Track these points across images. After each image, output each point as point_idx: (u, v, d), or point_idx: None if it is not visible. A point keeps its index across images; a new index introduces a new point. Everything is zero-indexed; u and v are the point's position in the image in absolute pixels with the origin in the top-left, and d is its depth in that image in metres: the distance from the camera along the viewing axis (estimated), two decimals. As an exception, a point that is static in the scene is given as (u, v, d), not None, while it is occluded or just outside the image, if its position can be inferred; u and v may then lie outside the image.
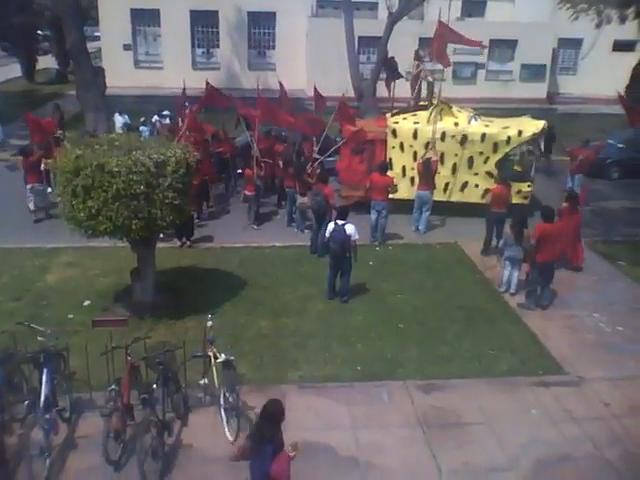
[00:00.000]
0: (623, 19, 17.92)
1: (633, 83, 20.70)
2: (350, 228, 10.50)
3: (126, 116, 19.33)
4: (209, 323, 7.79)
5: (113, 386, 7.07)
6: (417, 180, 14.14)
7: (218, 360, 7.54)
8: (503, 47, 30.46)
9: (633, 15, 18.66)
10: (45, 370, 7.23)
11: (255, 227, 14.35)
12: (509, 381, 8.79)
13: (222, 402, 7.51)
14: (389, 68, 19.64)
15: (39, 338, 7.59)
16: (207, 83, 15.57)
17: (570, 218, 11.92)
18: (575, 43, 31.60)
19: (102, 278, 11.46)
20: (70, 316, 10.03)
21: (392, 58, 19.91)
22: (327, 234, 10.75)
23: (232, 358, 7.55)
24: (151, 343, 7.92)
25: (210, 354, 7.71)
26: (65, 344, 7.80)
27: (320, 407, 8.06)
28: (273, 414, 5.43)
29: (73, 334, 8.67)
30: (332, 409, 8.05)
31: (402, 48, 18.89)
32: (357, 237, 10.69)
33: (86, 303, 10.50)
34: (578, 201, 12.32)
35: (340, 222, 10.59)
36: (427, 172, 13.77)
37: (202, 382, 7.86)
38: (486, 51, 30.00)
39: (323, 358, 9.18)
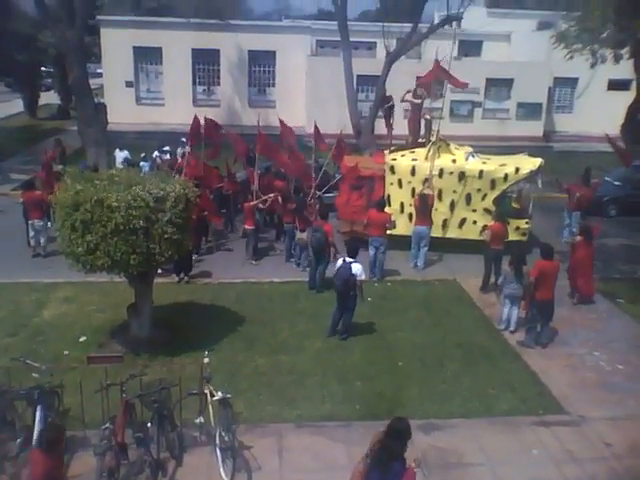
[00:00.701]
0: (618, 59, 18.21)
1: (628, 122, 20.94)
2: (357, 267, 10.42)
3: (126, 152, 19.47)
4: (206, 360, 7.73)
5: (107, 424, 6.96)
6: (415, 216, 14.20)
7: (214, 398, 7.45)
8: (499, 86, 30.90)
9: (628, 55, 19.00)
10: (39, 407, 7.15)
11: (253, 262, 14.33)
12: (510, 421, 8.68)
13: (218, 441, 7.36)
14: (387, 110, 19.90)
15: (34, 375, 7.52)
16: (205, 118, 15.74)
17: (585, 250, 12.26)
18: (571, 82, 32.09)
19: (99, 313, 11.38)
20: (66, 352, 9.93)
21: (390, 97, 20.20)
22: (334, 271, 10.73)
23: (229, 396, 7.47)
24: (147, 380, 7.82)
25: (206, 392, 7.61)
26: (60, 381, 7.71)
27: (318, 447, 7.93)
28: (401, 432, 5.58)
29: (68, 370, 8.54)
30: (330, 449, 7.91)
31: (400, 87, 19.12)
32: (363, 277, 10.62)
33: (82, 339, 10.41)
34: (592, 234, 12.56)
35: (349, 260, 10.54)
36: (424, 207, 13.83)
37: (198, 421, 7.73)
38: (483, 90, 30.55)
39: (321, 396, 9.07)
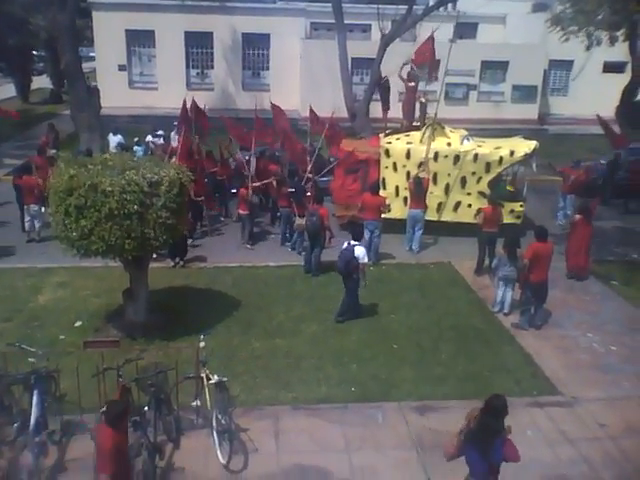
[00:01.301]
0: (613, 41, 18.16)
1: (623, 104, 20.94)
2: (359, 250, 10.51)
3: (120, 136, 19.35)
4: (202, 344, 7.75)
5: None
6: (409, 199, 14.20)
7: (211, 381, 7.47)
8: (495, 68, 30.75)
9: (623, 37, 18.95)
10: (36, 392, 7.15)
11: (249, 247, 14.33)
12: (504, 402, 8.74)
13: (215, 424, 7.41)
14: (383, 89, 19.83)
15: (30, 359, 7.52)
16: (192, 101, 15.74)
17: (583, 229, 12.57)
18: (566, 64, 31.96)
19: (94, 298, 11.38)
20: (62, 337, 9.95)
21: (386, 79, 20.13)
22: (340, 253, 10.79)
23: (225, 379, 7.49)
24: (143, 364, 7.84)
25: (203, 375, 7.64)
26: (56, 365, 7.72)
27: (314, 429, 7.99)
28: (499, 409, 5.70)
29: (64, 355, 8.57)
30: (326, 431, 7.98)
31: (395, 69, 19.05)
32: (366, 260, 10.71)
33: (78, 324, 10.42)
34: (591, 214, 12.80)
35: (353, 243, 10.61)
36: (419, 190, 13.83)
37: (194, 404, 7.78)
38: (478, 72, 30.40)
39: (317, 379, 9.12)
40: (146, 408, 7.25)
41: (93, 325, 10.33)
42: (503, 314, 11.26)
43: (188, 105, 15.89)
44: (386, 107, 19.28)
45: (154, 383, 7.32)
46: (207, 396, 7.59)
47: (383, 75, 20.62)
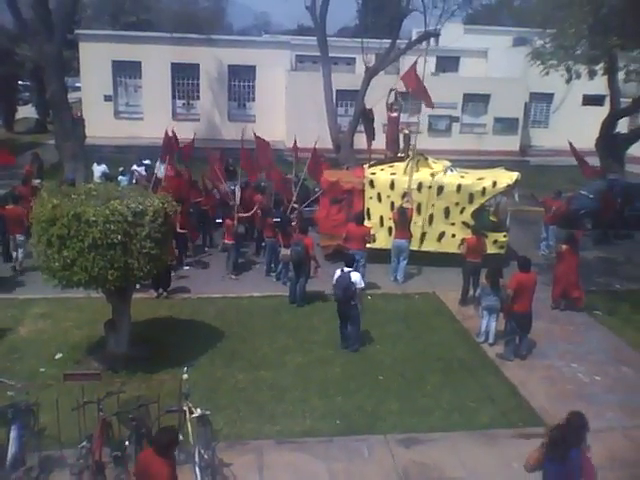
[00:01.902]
0: (592, 75, 18.56)
1: (603, 136, 21.33)
2: (355, 276, 10.55)
3: (104, 165, 19.32)
4: (185, 376, 7.64)
5: (84, 443, 6.85)
6: (394, 229, 14.27)
7: (193, 415, 7.35)
8: (477, 101, 31.30)
9: (602, 71, 19.36)
10: (13, 427, 6.99)
11: (233, 277, 14.26)
12: (490, 434, 8.70)
13: (197, 459, 7.25)
14: (367, 120, 20.07)
15: (9, 393, 7.36)
16: (172, 132, 15.89)
17: (570, 259, 12.61)
18: (546, 97, 32.65)
19: (76, 330, 11.21)
20: (42, 369, 9.76)
21: (370, 110, 20.38)
22: (333, 281, 10.78)
23: (208, 413, 7.39)
24: (124, 397, 7.71)
25: (185, 409, 7.51)
26: (36, 399, 7.56)
27: (298, 463, 7.86)
28: (578, 426, 6.04)
29: (44, 388, 8.39)
30: (311, 465, 7.85)
31: (379, 101, 19.35)
32: (362, 285, 10.74)
33: (58, 356, 10.24)
34: (577, 243, 12.91)
35: (347, 269, 10.65)
36: (403, 220, 13.91)
37: (177, 438, 7.63)
38: (460, 105, 30.92)
39: (301, 412, 9.01)
40: (127, 442, 7.10)
41: (74, 357, 10.15)
42: (488, 344, 11.25)
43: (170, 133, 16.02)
44: (371, 138, 19.50)
45: (135, 417, 7.19)
46: (189, 430, 7.46)
47: (368, 107, 20.91)
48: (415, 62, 16.01)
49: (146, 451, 6.12)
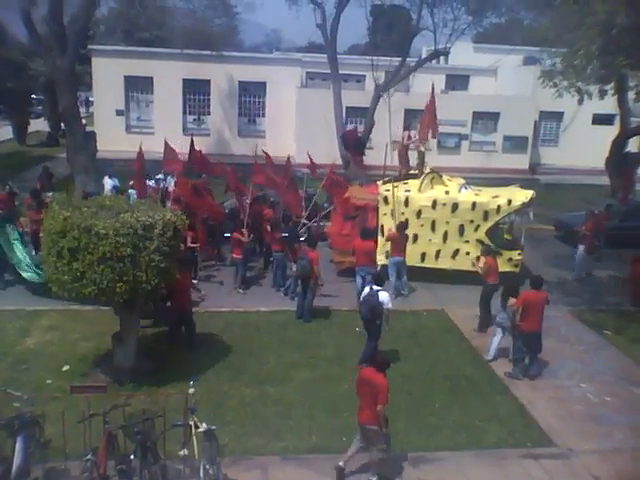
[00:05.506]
0: (602, 94, 18.57)
1: (613, 156, 21.32)
2: (384, 295, 10.45)
3: (115, 179, 19.45)
4: (191, 390, 7.61)
5: (89, 456, 6.83)
6: (391, 247, 14.14)
7: (199, 430, 7.31)
8: (486, 119, 31.37)
9: (612, 91, 19.38)
10: (19, 438, 6.98)
11: (241, 291, 14.25)
12: (498, 453, 8.61)
13: (202, 474, 7.21)
14: (349, 141, 20.19)
15: (15, 404, 7.36)
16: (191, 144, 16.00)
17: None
18: (556, 116, 32.64)
19: (83, 342, 11.22)
20: (49, 381, 9.77)
21: (355, 131, 20.50)
22: (361, 298, 10.71)
23: (213, 428, 7.34)
24: (130, 411, 7.68)
25: (191, 423, 7.48)
26: (42, 411, 7.56)
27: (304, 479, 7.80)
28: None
29: (50, 400, 8.39)
30: (316, 482, 7.78)
31: (388, 118, 19.44)
32: (390, 306, 10.58)
33: (65, 368, 10.25)
34: None
35: (376, 288, 10.56)
36: (404, 237, 13.94)
37: (182, 453, 7.57)
38: (470, 123, 30.99)
39: (308, 428, 8.95)
40: (132, 456, 7.07)
41: (81, 369, 10.16)
42: (487, 360, 11.16)
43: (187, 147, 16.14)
44: (359, 157, 19.68)
45: (141, 430, 7.16)
46: (195, 445, 7.42)
47: (375, 124, 21.02)
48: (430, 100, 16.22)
49: (367, 369, 7.78)
